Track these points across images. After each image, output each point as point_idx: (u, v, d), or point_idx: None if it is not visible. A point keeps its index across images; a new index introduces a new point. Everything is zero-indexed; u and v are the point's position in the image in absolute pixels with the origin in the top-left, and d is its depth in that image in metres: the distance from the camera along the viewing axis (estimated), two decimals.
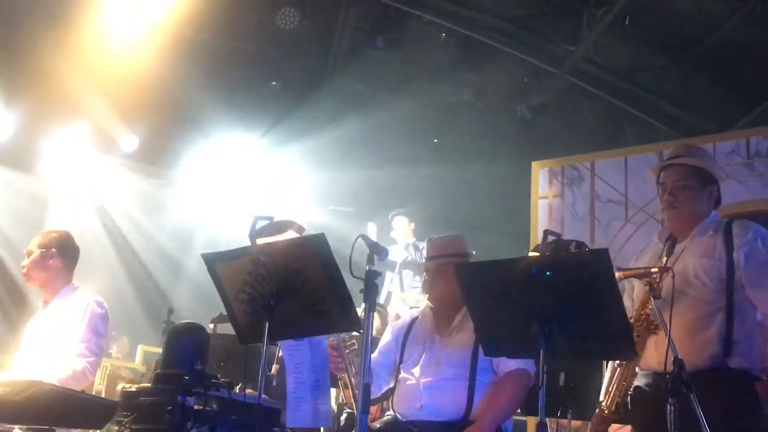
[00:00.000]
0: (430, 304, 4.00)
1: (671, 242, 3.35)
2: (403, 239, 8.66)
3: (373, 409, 4.45)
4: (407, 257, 8.50)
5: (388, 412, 4.00)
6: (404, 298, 8.39)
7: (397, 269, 8.52)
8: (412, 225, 8.69)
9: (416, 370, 3.79)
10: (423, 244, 8.42)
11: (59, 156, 9.19)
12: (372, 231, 8.45)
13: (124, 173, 9.59)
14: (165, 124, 9.17)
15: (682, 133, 7.68)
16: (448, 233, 4.06)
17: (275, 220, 3.69)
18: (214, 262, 3.25)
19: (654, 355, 3.28)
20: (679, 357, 2.90)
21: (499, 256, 2.98)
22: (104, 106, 8.46)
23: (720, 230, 3.38)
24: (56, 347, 4.07)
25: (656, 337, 3.29)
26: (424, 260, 4.21)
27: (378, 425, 3.85)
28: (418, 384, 3.74)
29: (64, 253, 4.35)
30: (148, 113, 8.72)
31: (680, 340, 3.12)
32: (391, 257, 8.45)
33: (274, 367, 5.40)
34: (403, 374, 3.85)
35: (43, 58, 7.52)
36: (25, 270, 4.33)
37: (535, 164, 7.27)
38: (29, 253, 4.33)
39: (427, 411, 3.67)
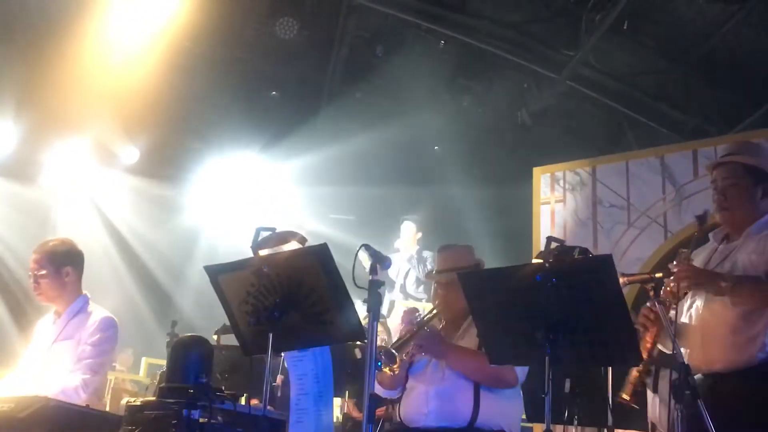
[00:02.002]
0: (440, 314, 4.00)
1: (695, 241, 3.27)
2: (408, 247, 8.65)
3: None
4: (409, 269, 8.49)
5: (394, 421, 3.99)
6: (408, 306, 8.38)
7: (397, 288, 8.49)
8: (419, 234, 8.68)
9: (423, 377, 3.81)
10: (426, 254, 8.42)
11: (61, 168, 9.21)
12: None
13: (125, 185, 9.59)
14: (166, 136, 9.17)
15: (684, 136, 7.68)
16: (457, 243, 4.07)
17: (277, 231, 3.69)
18: (217, 273, 3.25)
19: (700, 354, 3.18)
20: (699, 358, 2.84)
21: (502, 262, 2.98)
22: (105, 118, 8.47)
23: None
24: (61, 363, 4.02)
25: (701, 338, 3.20)
26: (426, 272, 4.22)
27: None
28: (425, 390, 3.75)
29: (76, 264, 4.25)
30: (148, 125, 8.73)
31: (724, 338, 3.09)
32: (391, 271, 8.44)
33: (279, 378, 5.40)
34: (410, 381, 3.86)
35: (44, 71, 7.53)
36: (39, 291, 4.15)
37: (536, 170, 7.27)
38: (37, 270, 4.14)
39: (434, 417, 3.67)
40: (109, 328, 4.12)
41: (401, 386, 3.91)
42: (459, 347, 3.74)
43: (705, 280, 3.14)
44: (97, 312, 4.20)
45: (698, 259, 3.43)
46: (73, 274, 4.23)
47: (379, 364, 3.60)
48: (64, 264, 4.19)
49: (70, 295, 4.20)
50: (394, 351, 3.62)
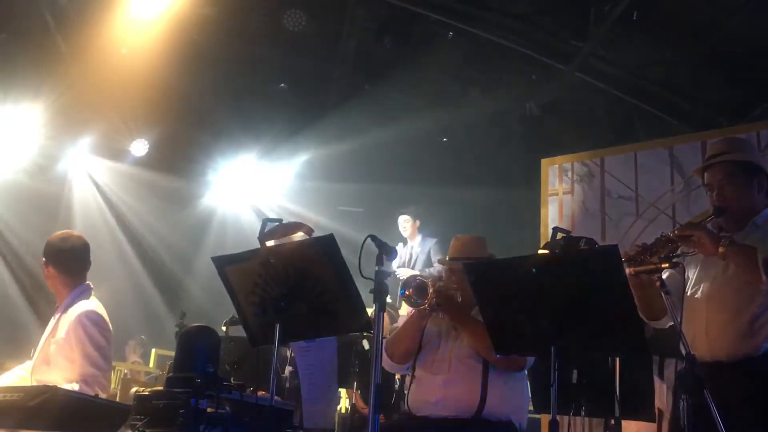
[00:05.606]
0: None
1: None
2: (409, 239, 8.67)
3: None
4: (417, 256, 8.48)
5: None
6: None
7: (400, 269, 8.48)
8: (417, 224, 8.69)
9: (431, 366, 3.81)
10: (429, 244, 8.43)
11: (72, 160, 9.28)
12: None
13: (135, 177, 9.64)
14: (174, 128, 9.19)
15: (693, 127, 7.64)
16: (471, 234, 4.08)
17: (284, 222, 3.71)
18: (224, 265, 3.26)
19: (704, 341, 3.17)
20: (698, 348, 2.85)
21: (510, 253, 2.97)
22: (114, 110, 8.50)
23: None
24: (56, 360, 3.94)
25: (705, 326, 3.19)
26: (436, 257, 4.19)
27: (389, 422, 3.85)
28: (433, 379, 3.76)
29: (53, 259, 4.14)
30: (157, 117, 8.75)
31: (730, 327, 3.09)
32: (398, 262, 8.46)
33: (287, 369, 5.42)
34: (418, 370, 3.87)
35: (54, 65, 7.56)
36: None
37: (544, 161, 7.25)
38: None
39: (441, 406, 3.68)
40: (87, 323, 3.95)
41: (409, 364, 3.91)
42: (475, 319, 3.69)
43: (707, 239, 3.12)
44: (81, 307, 4.04)
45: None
46: (54, 271, 4.13)
47: (402, 291, 3.59)
48: (47, 262, 4.14)
49: (62, 290, 4.14)
50: (429, 285, 3.60)
